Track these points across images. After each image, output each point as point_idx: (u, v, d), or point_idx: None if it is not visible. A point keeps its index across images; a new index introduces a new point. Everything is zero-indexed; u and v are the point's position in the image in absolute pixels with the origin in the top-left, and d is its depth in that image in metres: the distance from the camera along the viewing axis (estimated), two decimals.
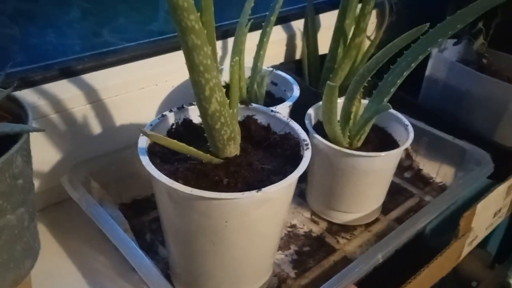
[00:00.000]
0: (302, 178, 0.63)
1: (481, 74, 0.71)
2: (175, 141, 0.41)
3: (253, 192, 0.40)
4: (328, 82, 0.48)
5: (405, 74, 0.52)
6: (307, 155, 0.46)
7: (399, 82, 0.53)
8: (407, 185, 0.72)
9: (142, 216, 0.62)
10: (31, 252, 0.42)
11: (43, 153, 0.58)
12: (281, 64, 0.82)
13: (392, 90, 0.54)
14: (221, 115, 0.41)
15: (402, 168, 0.75)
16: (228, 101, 0.42)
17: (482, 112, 0.72)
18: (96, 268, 0.55)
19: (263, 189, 0.40)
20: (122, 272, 0.54)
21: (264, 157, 0.49)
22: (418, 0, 0.93)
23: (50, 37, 0.73)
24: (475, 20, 0.66)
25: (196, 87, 0.38)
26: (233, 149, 0.46)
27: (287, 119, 0.52)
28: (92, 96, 0.59)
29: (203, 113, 0.41)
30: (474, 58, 0.78)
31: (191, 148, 0.43)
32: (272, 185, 0.41)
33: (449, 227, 0.65)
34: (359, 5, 0.70)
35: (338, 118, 0.59)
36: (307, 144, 0.48)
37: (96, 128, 0.62)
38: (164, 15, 0.89)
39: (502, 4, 0.65)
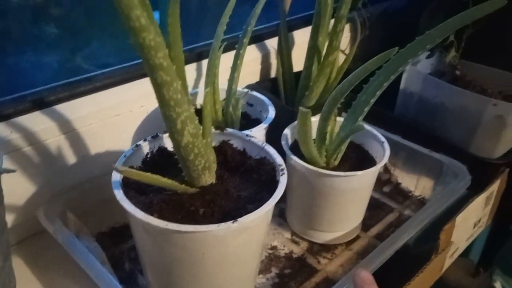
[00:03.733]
0: (282, 198, 0.63)
1: (453, 86, 0.72)
2: (148, 174, 0.41)
3: (229, 223, 0.39)
4: (300, 108, 0.48)
5: (378, 93, 0.52)
6: (282, 180, 0.46)
7: (372, 101, 0.53)
8: (386, 200, 0.73)
9: (121, 244, 0.62)
10: None
11: (18, 185, 0.57)
12: (257, 83, 0.82)
13: (366, 109, 0.54)
14: (194, 147, 0.41)
15: (381, 182, 0.75)
16: (201, 131, 0.42)
17: (457, 124, 0.73)
18: None
19: (239, 220, 0.40)
20: None
21: (241, 183, 0.48)
22: (390, 13, 0.95)
23: (21, 67, 0.72)
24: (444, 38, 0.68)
25: (167, 121, 0.38)
26: (208, 178, 0.46)
27: (262, 143, 0.52)
28: (66, 127, 0.59)
29: (176, 145, 0.41)
30: (448, 70, 0.79)
31: (165, 179, 0.42)
32: (248, 215, 0.41)
33: (432, 236, 0.66)
34: (332, 21, 0.71)
35: (314, 136, 0.59)
36: (282, 169, 0.47)
37: (71, 158, 0.61)
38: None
39: None
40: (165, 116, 0.38)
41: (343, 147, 0.60)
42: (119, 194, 0.42)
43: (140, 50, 0.32)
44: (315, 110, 0.60)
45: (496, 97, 0.73)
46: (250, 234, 0.43)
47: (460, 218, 0.66)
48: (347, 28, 0.95)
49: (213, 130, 0.54)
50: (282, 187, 0.45)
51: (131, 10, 0.29)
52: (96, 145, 0.63)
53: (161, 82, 0.34)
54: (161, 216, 0.41)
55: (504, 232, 1.10)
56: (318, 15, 0.72)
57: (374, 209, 0.70)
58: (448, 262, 0.70)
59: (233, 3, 0.63)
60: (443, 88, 0.73)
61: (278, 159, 0.49)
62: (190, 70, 0.74)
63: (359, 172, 0.57)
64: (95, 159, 0.63)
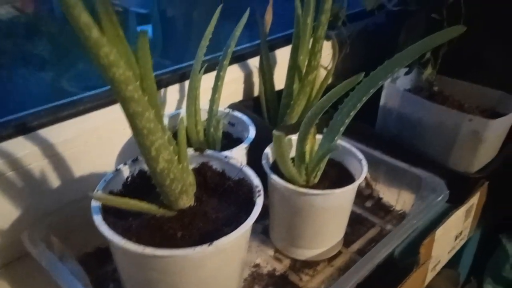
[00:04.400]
0: (266, 214, 0.64)
1: (430, 102, 0.74)
2: (125, 200, 0.42)
3: (204, 247, 0.41)
4: (273, 131, 0.49)
5: (352, 113, 0.53)
6: (259, 202, 0.47)
7: (347, 121, 0.54)
8: (368, 215, 0.74)
9: (106, 265, 0.62)
10: None
11: (2, 209, 0.58)
12: (241, 101, 0.83)
13: (342, 129, 0.55)
14: (170, 172, 0.42)
15: (363, 197, 0.77)
16: (177, 156, 0.44)
17: (435, 139, 0.75)
18: None
19: (215, 243, 0.41)
20: None
21: (219, 205, 0.50)
22: (371, 31, 0.97)
23: (8, 90, 0.73)
24: (422, 55, 0.70)
25: (142, 148, 0.39)
26: (186, 201, 0.47)
27: (241, 164, 0.53)
28: (50, 151, 0.60)
29: (152, 172, 0.42)
30: (425, 86, 0.81)
31: (143, 204, 0.44)
32: (224, 238, 0.42)
33: (417, 249, 0.67)
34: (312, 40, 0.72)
35: (294, 155, 0.61)
36: (259, 191, 0.49)
37: (55, 181, 0.62)
38: None
39: None
40: (139, 144, 0.39)
41: (322, 165, 0.61)
42: (97, 220, 0.43)
43: (111, 84, 0.33)
44: (297, 128, 0.62)
45: (473, 112, 0.75)
46: (227, 256, 0.44)
47: (439, 232, 0.67)
48: (329, 45, 0.96)
49: (192, 152, 0.55)
50: (258, 208, 0.46)
51: (100, 49, 0.30)
52: (80, 168, 0.64)
53: (133, 112, 0.36)
54: (139, 240, 0.42)
55: (494, 241, 1.11)
56: (297, 36, 0.74)
57: (356, 225, 0.71)
58: (430, 275, 0.71)
59: (212, 27, 0.64)
60: (421, 104, 0.75)
61: (255, 181, 0.51)
62: (173, 91, 0.75)
63: (336, 190, 0.58)
64: (79, 181, 0.64)
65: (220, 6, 0.67)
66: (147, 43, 0.35)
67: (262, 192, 0.48)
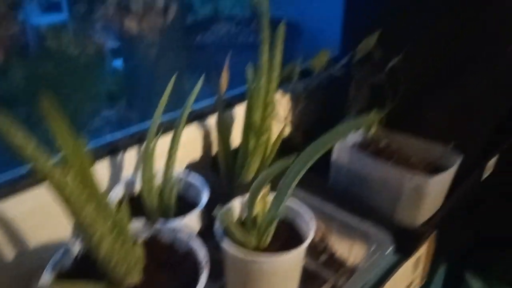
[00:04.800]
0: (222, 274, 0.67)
1: (375, 159, 0.78)
2: (71, 285, 0.44)
3: None
4: (213, 212, 0.52)
5: (293, 184, 0.56)
6: (202, 279, 0.49)
7: (290, 192, 0.58)
8: (322, 270, 0.76)
9: None
10: None
11: None
12: (200, 160, 0.86)
13: (285, 198, 0.58)
14: (113, 256, 0.44)
15: (317, 252, 0.79)
16: (121, 238, 0.46)
17: (382, 194, 0.78)
18: None
19: None
20: None
21: (167, 280, 0.52)
22: (325, 85, 1.01)
23: None
24: (369, 107, 0.74)
25: (83, 236, 0.42)
26: (133, 278, 0.49)
27: (189, 237, 0.56)
28: (5, 224, 0.61)
29: (95, 256, 0.44)
30: (372, 142, 0.85)
31: (88, 286, 0.46)
32: None
33: None
34: None
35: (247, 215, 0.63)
36: (203, 266, 0.51)
37: (11, 253, 0.63)
38: None
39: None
40: (80, 232, 0.41)
41: (272, 228, 0.64)
42: None
43: (50, 184, 0.36)
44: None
45: (417, 166, 0.79)
46: None
47: (388, 286, 0.70)
48: (287, 97, 1.01)
49: (143, 223, 0.57)
50: (201, 285, 0.48)
51: (36, 161, 0.33)
52: (38, 238, 0.65)
53: (72, 210, 0.38)
54: None
55: (459, 278, 1.15)
56: (251, 97, 0.77)
57: (309, 281, 0.73)
58: None
59: (166, 96, 0.67)
60: (367, 161, 0.78)
61: (201, 254, 0.53)
62: (131, 154, 0.78)
63: (284, 256, 0.60)
64: (36, 252, 0.66)
65: (176, 74, 0.70)
66: (84, 148, 0.38)
67: (207, 266, 0.51)
